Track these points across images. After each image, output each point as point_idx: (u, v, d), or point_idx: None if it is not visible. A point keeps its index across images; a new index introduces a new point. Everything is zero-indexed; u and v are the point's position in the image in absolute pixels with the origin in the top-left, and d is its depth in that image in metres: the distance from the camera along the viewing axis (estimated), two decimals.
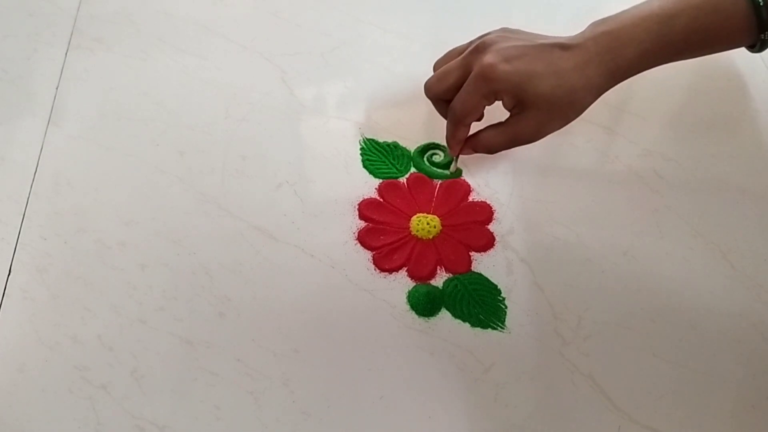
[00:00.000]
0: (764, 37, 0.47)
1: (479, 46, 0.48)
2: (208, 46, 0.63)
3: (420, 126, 0.57)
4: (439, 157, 0.55)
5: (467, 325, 0.46)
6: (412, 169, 0.54)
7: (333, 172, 0.54)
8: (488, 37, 0.49)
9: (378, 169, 0.54)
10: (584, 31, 0.48)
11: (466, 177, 0.54)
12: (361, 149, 0.55)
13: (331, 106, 0.59)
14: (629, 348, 0.45)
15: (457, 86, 0.49)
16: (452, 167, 0.53)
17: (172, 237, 0.50)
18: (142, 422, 0.42)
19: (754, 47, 0.49)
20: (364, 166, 0.54)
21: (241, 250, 0.49)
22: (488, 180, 0.54)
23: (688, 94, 0.61)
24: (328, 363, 0.44)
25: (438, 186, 0.53)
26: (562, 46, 0.47)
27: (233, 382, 0.43)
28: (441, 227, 0.51)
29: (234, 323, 0.46)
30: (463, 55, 0.49)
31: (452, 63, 0.50)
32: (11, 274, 0.47)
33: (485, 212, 0.52)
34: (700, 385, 0.44)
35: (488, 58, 0.46)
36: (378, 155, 0.55)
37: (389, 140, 0.56)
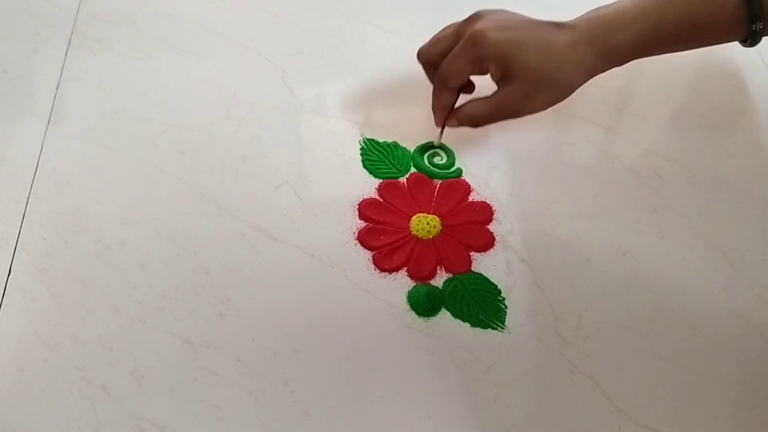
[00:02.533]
0: (755, 28, 0.47)
1: (473, 16, 0.49)
2: (208, 46, 0.63)
3: (420, 126, 0.57)
4: (440, 158, 0.55)
5: (467, 325, 0.46)
6: (412, 169, 0.54)
7: (333, 172, 0.54)
8: (484, 9, 0.50)
9: (378, 169, 0.54)
10: (581, 15, 0.49)
11: (466, 177, 0.54)
12: (361, 149, 0.55)
13: (331, 106, 0.59)
14: (629, 348, 0.46)
15: (447, 52, 0.49)
16: (436, 140, 0.54)
17: (172, 237, 0.50)
18: (142, 422, 0.42)
19: (746, 41, 0.49)
20: (364, 166, 0.54)
21: (241, 250, 0.49)
22: (488, 180, 0.54)
23: (688, 94, 0.61)
24: (328, 363, 0.44)
25: (438, 186, 0.53)
26: (556, 25, 0.48)
27: (233, 382, 0.43)
28: (441, 227, 0.51)
29: (234, 323, 0.46)
30: (457, 24, 0.50)
31: (446, 30, 0.51)
32: (11, 274, 0.47)
33: (485, 212, 0.52)
34: (700, 385, 0.44)
35: (480, 24, 0.47)
36: (378, 155, 0.55)
37: (389, 140, 0.56)
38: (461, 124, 0.51)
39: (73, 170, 0.53)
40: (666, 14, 0.47)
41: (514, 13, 0.50)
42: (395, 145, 0.56)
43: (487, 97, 0.50)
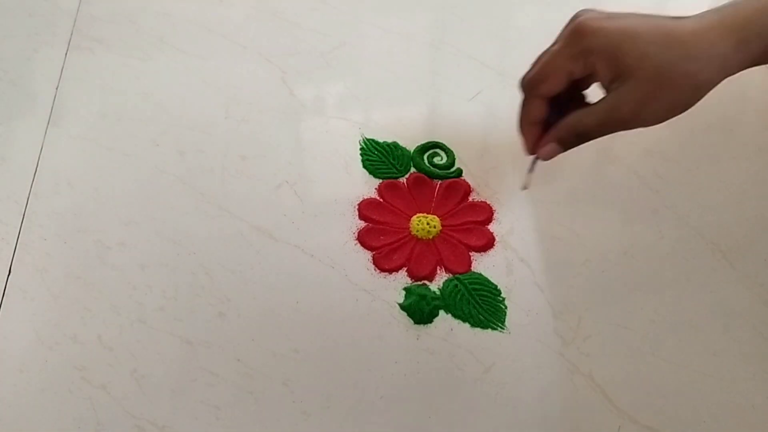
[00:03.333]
0: None
1: (574, 16, 0.40)
2: (208, 46, 0.63)
3: (420, 126, 0.57)
4: (440, 158, 0.55)
5: (467, 325, 0.46)
6: (412, 169, 0.54)
7: (333, 172, 0.54)
8: (585, 9, 0.40)
9: (378, 169, 0.54)
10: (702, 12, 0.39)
11: (466, 177, 0.54)
12: (361, 149, 0.55)
13: (331, 106, 0.59)
14: (629, 348, 0.45)
15: None
16: (524, 181, 0.41)
17: (172, 237, 0.50)
18: (142, 422, 0.42)
19: None
20: (364, 166, 0.54)
21: (241, 250, 0.49)
22: (488, 180, 0.54)
23: None
24: (328, 363, 0.44)
25: (438, 186, 0.53)
26: (674, 18, 0.38)
27: (233, 382, 0.43)
28: (441, 227, 0.51)
29: (234, 323, 0.46)
30: (558, 37, 0.41)
31: (547, 49, 0.41)
32: (11, 274, 0.47)
33: (485, 212, 0.52)
34: (700, 385, 0.44)
35: (584, 16, 0.38)
36: (378, 155, 0.55)
37: (389, 140, 0.56)
38: (563, 143, 0.41)
39: (73, 170, 0.53)
40: None
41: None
42: (395, 145, 0.56)
43: (594, 104, 0.40)
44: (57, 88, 0.59)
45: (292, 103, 0.59)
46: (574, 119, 0.40)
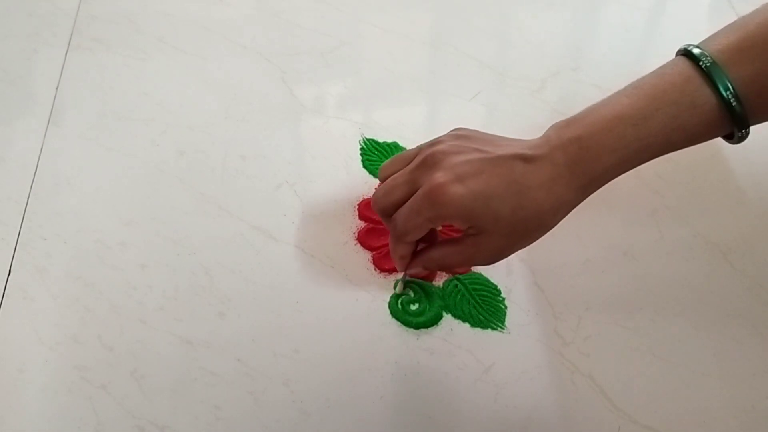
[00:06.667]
0: (742, 135, 0.42)
1: (428, 160, 0.42)
2: (208, 46, 0.63)
3: (420, 126, 0.57)
4: None
5: (467, 325, 0.46)
6: None
7: (333, 172, 0.54)
8: (438, 148, 0.42)
9: (378, 168, 0.54)
10: (548, 135, 0.42)
11: None
12: (361, 149, 0.55)
13: (331, 106, 0.59)
14: (629, 348, 0.46)
15: (403, 202, 0.42)
16: (398, 287, 0.47)
17: (172, 237, 0.50)
18: (142, 422, 0.42)
19: (733, 138, 0.43)
20: (364, 166, 0.54)
21: (241, 250, 0.49)
22: None
23: None
24: (328, 363, 0.44)
25: None
26: (525, 158, 0.40)
27: (233, 382, 0.43)
28: (441, 227, 0.51)
29: (234, 323, 0.46)
30: (410, 168, 0.43)
31: (398, 177, 0.43)
32: (11, 274, 0.47)
33: None
34: (701, 385, 0.44)
35: (438, 176, 0.40)
36: (378, 155, 0.55)
37: (389, 140, 0.56)
38: (428, 269, 0.46)
39: (73, 170, 0.53)
40: (652, 128, 0.40)
41: (473, 142, 0.43)
42: (395, 145, 0.56)
43: (457, 244, 0.43)
44: (57, 88, 0.59)
45: (292, 103, 0.59)
46: (439, 255, 0.44)
